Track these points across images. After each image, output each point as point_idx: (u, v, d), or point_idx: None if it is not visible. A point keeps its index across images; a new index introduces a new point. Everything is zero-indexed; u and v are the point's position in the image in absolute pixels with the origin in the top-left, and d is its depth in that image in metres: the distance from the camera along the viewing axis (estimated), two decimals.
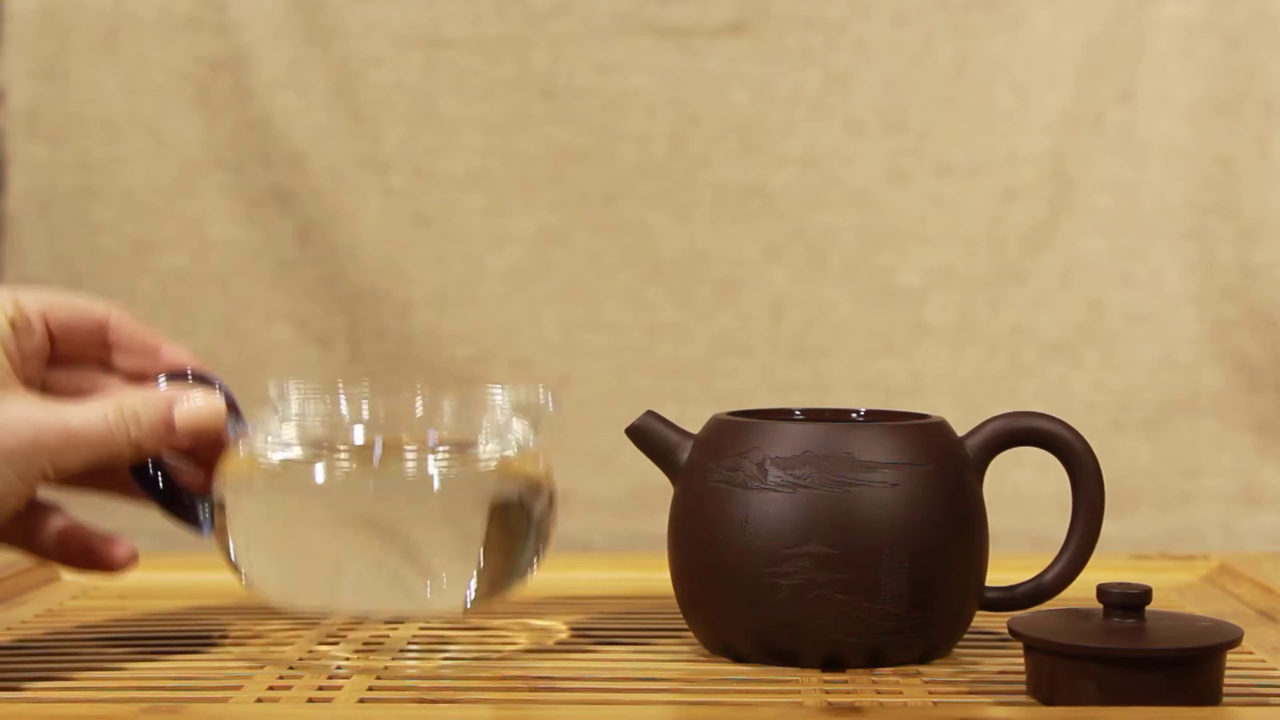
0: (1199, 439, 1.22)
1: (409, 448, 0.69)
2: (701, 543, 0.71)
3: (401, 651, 0.74)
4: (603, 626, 0.78)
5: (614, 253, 1.23)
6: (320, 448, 0.69)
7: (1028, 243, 1.22)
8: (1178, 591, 0.88)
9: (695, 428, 0.74)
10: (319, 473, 0.69)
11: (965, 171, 1.22)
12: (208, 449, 0.71)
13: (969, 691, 0.67)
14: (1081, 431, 0.73)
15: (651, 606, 0.82)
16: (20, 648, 0.75)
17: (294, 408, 0.69)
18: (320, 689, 0.67)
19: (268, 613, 0.83)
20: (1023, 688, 0.67)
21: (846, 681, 0.68)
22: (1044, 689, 0.65)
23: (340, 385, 0.69)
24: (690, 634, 0.74)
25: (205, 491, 0.72)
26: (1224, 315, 1.22)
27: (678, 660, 0.72)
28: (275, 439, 0.69)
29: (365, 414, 0.69)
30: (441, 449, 0.69)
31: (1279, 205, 1.22)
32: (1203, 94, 1.22)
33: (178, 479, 0.73)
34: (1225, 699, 0.65)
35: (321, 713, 0.65)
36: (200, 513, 0.73)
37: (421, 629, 0.78)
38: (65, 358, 0.72)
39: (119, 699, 0.66)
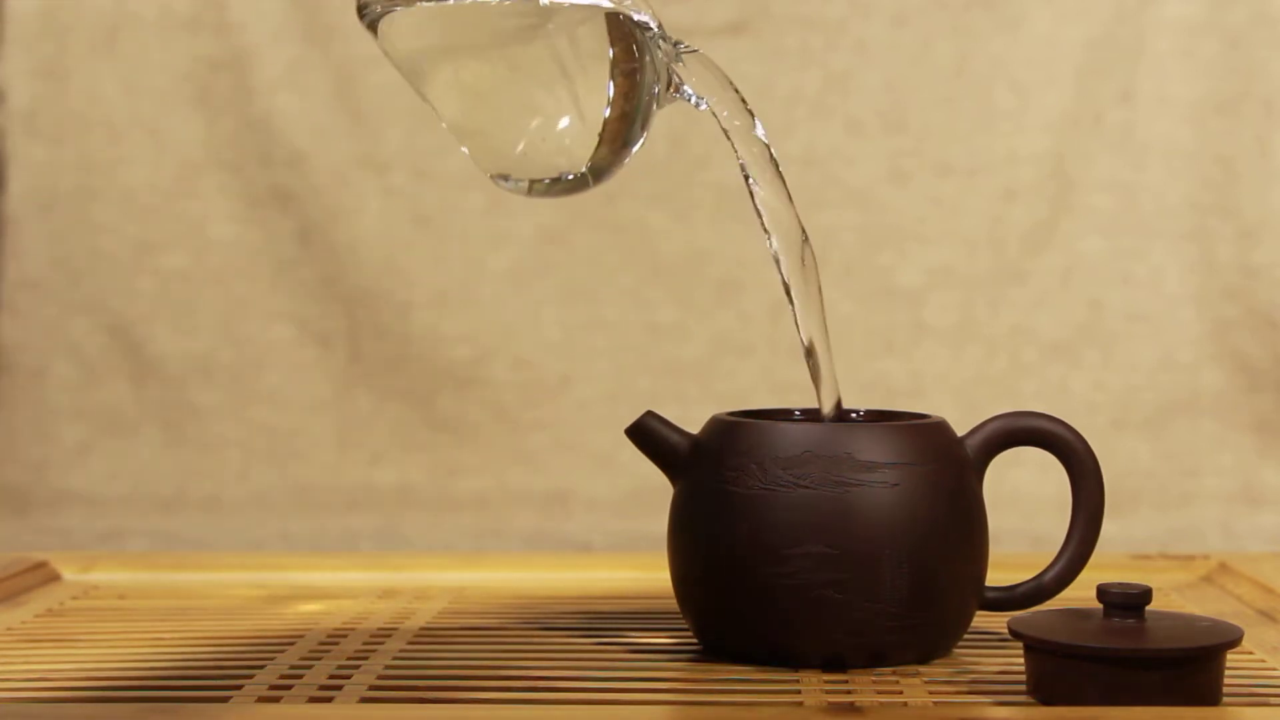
0: (1199, 439, 1.22)
1: None
2: (701, 543, 0.71)
3: (401, 651, 0.74)
4: (603, 626, 0.78)
5: (614, 253, 1.23)
6: None
7: (1028, 243, 1.22)
8: (1178, 591, 0.88)
9: (695, 428, 0.74)
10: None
11: (965, 171, 1.22)
12: None
13: (969, 691, 0.67)
14: (1081, 431, 0.74)
15: (651, 606, 0.82)
16: (20, 648, 0.75)
17: None
18: (320, 689, 0.67)
19: (268, 613, 0.83)
20: (1023, 688, 0.67)
21: (846, 681, 0.68)
22: (1044, 689, 0.65)
23: None
24: (690, 634, 0.74)
25: None
26: (1224, 315, 1.22)
27: (678, 660, 0.72)
28: None
29: None
30: None
31: (1279, 205, 1.22)
32: (1203, 94, 1.22)
33: None
34: (1225, 699, 0.65)
35: (321, 713, 0.65)
36: None
37: (421, 629, 0.78)
38: None
39: (119, 699, 0.66)
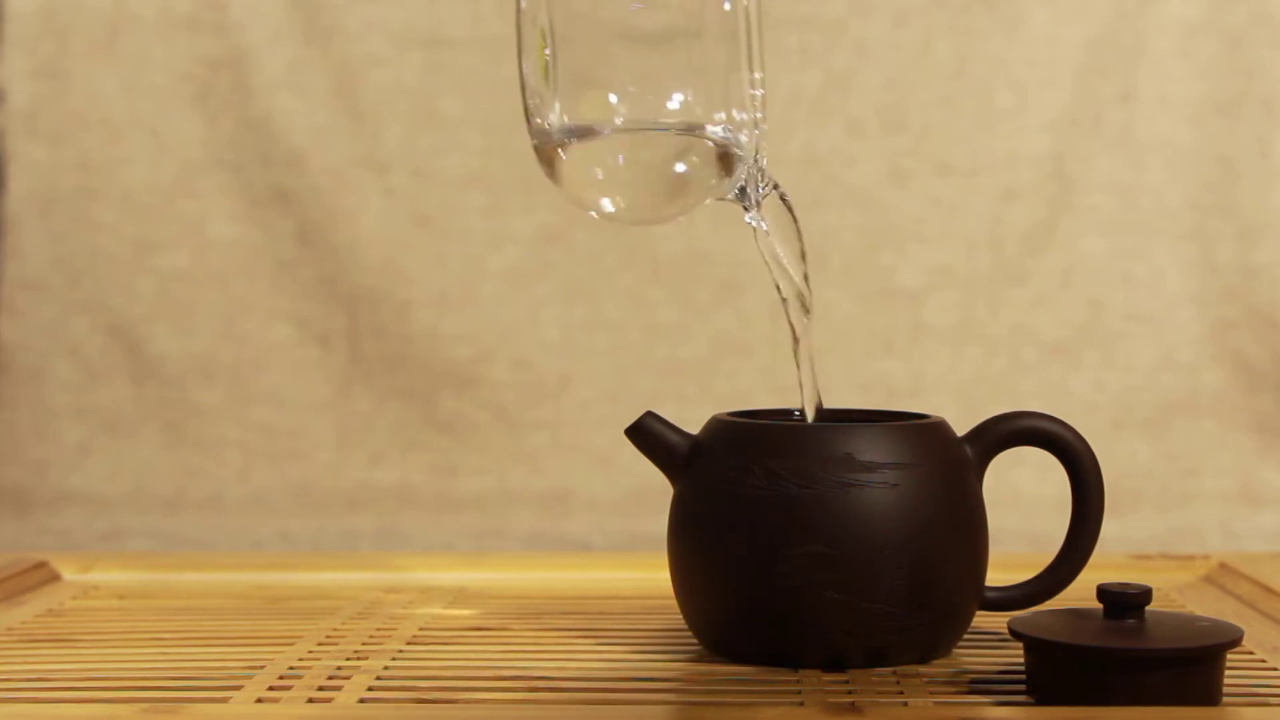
0: (1199, 439, 1.22)
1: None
2: (701, 543, 0.71)
3: (401, 651, 0.74)
4: (603, 626, 0.78)
5: (614, 253, 1.23)
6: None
7: (1028, 243, 1.22)
8: (1178, 591, 0.88)
9: (695, 428, 0.74)
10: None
11: (965, 171, 1.22)
12: None
13: (969, 691, 0.67)
14: (1081, 431, 0.74)
15: (651, 606, 0.82)
16: (20, 648, 0.75)
17: None
18: (320, 689, 0.67)
19: (268, 613, 0.83)
20: (1023, 688, 0.67)
21: (846, 681, 0.68)
22: (1044, 689, 0.65)
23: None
24: (690, 634, 0.74)
25: None
26: (1224, 315, 1.22)
27: (678, 660, 0.72)
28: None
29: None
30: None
31: (1279, 205, 1.22)
32: (1203, 94, 1.21)
33: None
34: (1225, 699, 0.65)
35: (321, 713, 0.65)
36: None
37: (421, 629, 0.78)
38: None
39: (119, 699, 0.66)
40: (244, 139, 1.22)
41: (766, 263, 0.77)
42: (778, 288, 0.77)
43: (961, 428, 0.74)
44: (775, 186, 0.76)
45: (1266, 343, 1.21)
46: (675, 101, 0.74)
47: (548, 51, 0.74)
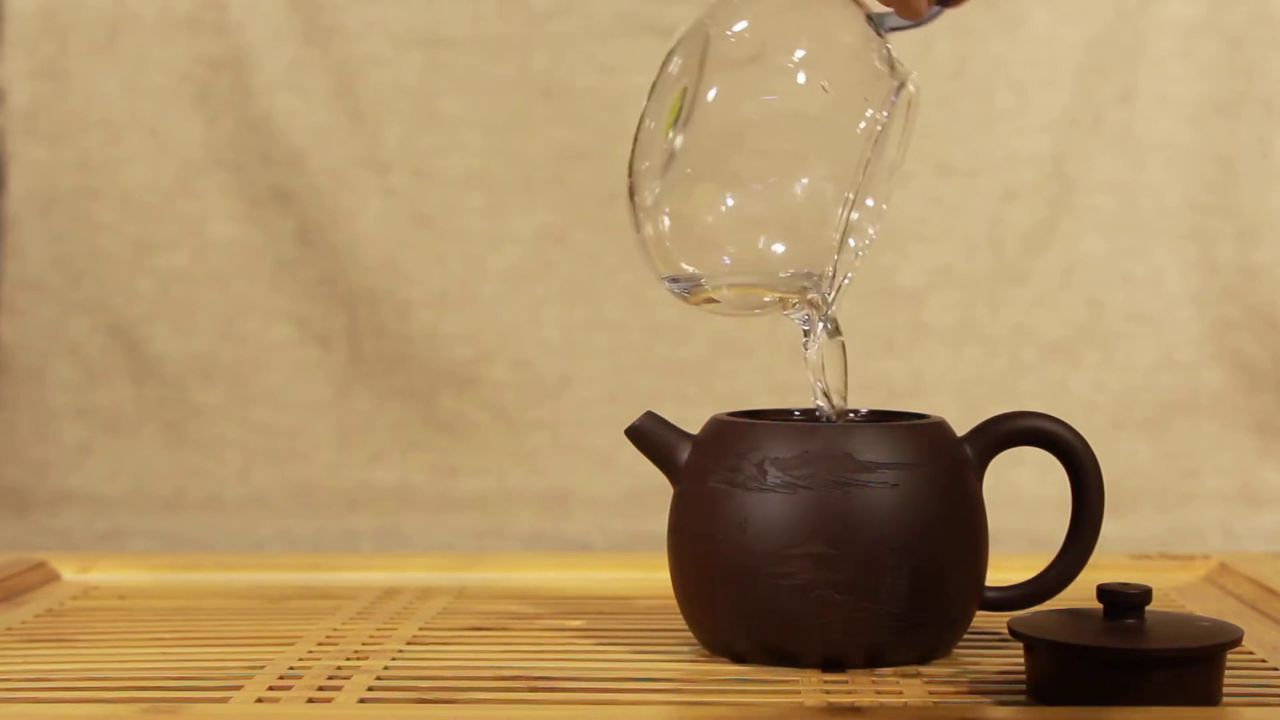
0: (1199, 439, 1.22)
1: None
2: (701, 543, 0.71)
3: (401, 651, 0.74)
4: (603, 626, 0.78)
5: (614, 253, 1.23)
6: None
7: (1028, 243, 1.22)
8: (1178, 591, 0.88)
9: (695, 428, 0.74)
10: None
11: (965, 171, 1.22)
12: None
13: (969, 691, 0.67)
14: (1081, 431, 0.74)
15: (651, 606, 0.82)
16: (20, 648, 0.75)
17: None
18: (320, 689, 0.67)
19: (268, 613, 0.83)
20: (1023, 688, 0.67)
21: (846, 681, 0.68)
22: (1044, 689, 0.65)
23: None
24: (690, 634, 0.74)
25: None
26: (1224, 315, 1.22)
27: (678, 660, 0.72)
28: None
29: None
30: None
31: (1279, 205, 1.22)
32: (1203, 94, 1.22)
33: None
34: (1225, 699, 0.65)
35: (321, 713, 0.65)
36: None
37: (421, 629, 0.78)
38: None
39: (119, 699, 0.66)
40: (244, 139, 1.22)
41: (815, 404, 0.75)
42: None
43: (961, 428, 0.74)
44: (837, 329, 0.75)
45: (1266, 343, 1.21)
46: (789, 190, 0.74)
47: (680, 111, 0.74)
